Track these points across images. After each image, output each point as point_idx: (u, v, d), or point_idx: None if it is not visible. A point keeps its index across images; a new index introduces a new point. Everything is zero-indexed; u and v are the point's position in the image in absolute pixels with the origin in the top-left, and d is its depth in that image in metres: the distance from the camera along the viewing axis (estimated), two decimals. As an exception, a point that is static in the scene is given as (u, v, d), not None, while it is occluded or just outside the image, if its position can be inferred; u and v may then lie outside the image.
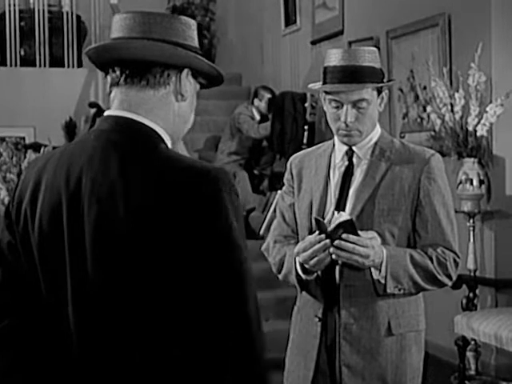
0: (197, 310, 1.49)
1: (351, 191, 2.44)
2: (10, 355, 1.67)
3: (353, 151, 2.48)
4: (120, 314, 1.54)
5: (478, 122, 4.67)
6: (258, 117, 7.20)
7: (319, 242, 2.27)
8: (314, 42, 7.22)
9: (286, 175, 2.62)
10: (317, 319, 2.42)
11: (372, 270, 2.34)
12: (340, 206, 2.43)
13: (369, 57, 2.40)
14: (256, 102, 7.24)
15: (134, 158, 1.56)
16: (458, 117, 4.76)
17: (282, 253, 2.52)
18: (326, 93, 2.46)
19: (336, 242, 2.25)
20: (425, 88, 5.42)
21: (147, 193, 1.51)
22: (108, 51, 1.66)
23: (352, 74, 2.38)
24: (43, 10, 8.52)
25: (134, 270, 1.52)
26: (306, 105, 6.86)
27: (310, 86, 2.58)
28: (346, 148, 2.49)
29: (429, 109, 4.99)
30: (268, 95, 7.22)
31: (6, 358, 1.67)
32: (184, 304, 1.50)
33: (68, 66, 8.60)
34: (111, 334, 1.55)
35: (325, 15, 7.03)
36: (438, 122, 4.84)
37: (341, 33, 6.72)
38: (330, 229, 2.26)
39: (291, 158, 2.65)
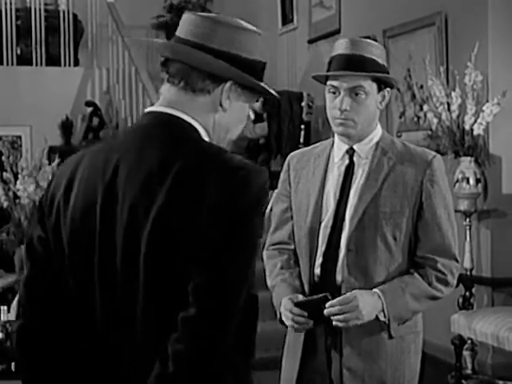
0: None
1: (352, 192, 2.41)
2: (36, 349, 1.68)
3: (353, 150, 2.44)
4: (145, 306, 1.55)
5: (475, 121, 4.67)
6: (252, 116, 7.19)
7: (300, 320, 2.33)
8: (310, 41, 7.22)
9: (283, 175, 2.58)
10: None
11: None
12: (340, 206, 2.41)
13: (373, 50, 2.38)
14: None
15: (171, 149, 1.58)
16: (454, 116, 4.76)
17: (272, 277, 2.52)
18: (327, 81, 2.43)
19: (325, 312, 2.28)
20: (421, 87, 5.42)
21: (181, 185, 1.53)
22: (163, 49, 1.73)
23: (353, 62, 2.34)
24: (39, 9, 8.51)
25: (162, 261, 1.53)
26: (303, 104, 6.86)
27: (313, 74, 2.53)
28: (346, 147, 2.45)
29: (425, 108, 4.99)
30: None
31: (32, 351, 1.69)
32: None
33: (64, 65, 8.58)
34: (137, 327, 1.56)
35: (322, 14, 7.03)
36: (435, 120, 4.84)
37: (337, 32, 6.71)
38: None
39: (289, 157, 2.60)
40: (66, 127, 8.28)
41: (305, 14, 7.38)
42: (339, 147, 2.47)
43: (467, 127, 4.70)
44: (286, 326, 2.42)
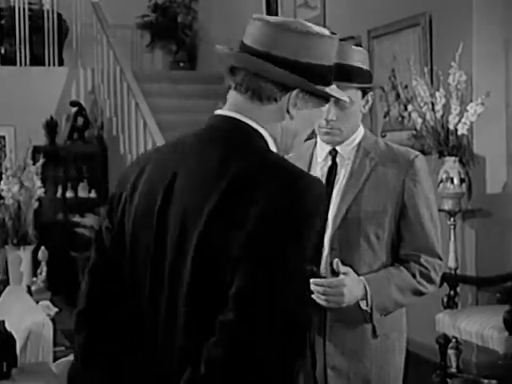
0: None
1: (335, 192, 2.43)
2: (92, 333, 1.73)
3: (336, 151, 2.46)
4: (188, 305, 1.56)
5: (459, 121, 4.69)
6: None
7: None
8: (295, 41, 7.22)
9: None
10: None
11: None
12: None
13: (358, 57, 2.38)
14: None
15: (231, 153, 1.58)
16: (438, 116, 4.78)
17: None
18: None
19: (311, 287, 2.26)
20: (406, 87, 5.44)
21: (235, 190, 1.52)
22: (227, 57, 1.68)
23: (341, 73, 2.34)
24: (24, 8, 8.47)
25: (207, 265, 1.53)
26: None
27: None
28: (329, 148, 2.47)
29: (410, 108, 5.02)
30: None
31: (89, 335, 1.74)
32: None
33: (49, 65, 8.55)
34: (178, 326, 1.57)
35: (306, 14, 7.04)
36: (419, 120, 4.86)
37: (322, 32, 6.72)
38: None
39: None
40: (51, 127, 8.25)
41: (290, 14, 7.38)
42: (322, 148, 2.49)
43: (451, 127, 4.72)
44: None
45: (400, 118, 5.65)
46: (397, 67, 5.68)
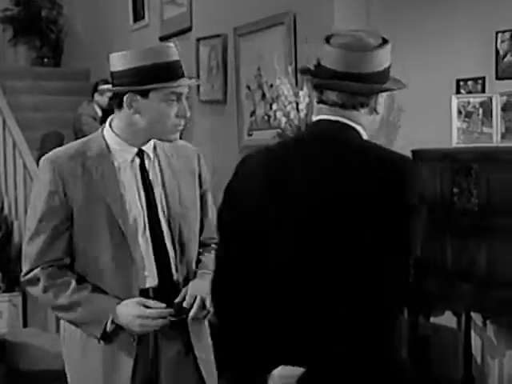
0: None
1: (157, 193, 2.41)
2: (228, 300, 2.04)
3: (143, 151, 2.42)
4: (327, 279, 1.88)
5: (322, 120, 4.72)
6: (99, 113, 6.99)
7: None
8: (162, 39, 7.10)
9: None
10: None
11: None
12: (152, 208, 2.40)
13: (173, 51, 2.35)
14: (96, 96, 6.99)
15: (338, 148, 1.96)
16: (302, 115, 4.79)
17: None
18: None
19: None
20: (271, 86, 5.43)
21: (351, 175, 1.89)
22: (326, 85, 2.01)
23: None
24: None
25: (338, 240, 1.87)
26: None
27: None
28: (135, 149, 2.41)
29: (275, 106, 5.00)
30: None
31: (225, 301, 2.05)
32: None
33: None
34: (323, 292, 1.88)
35: (173, 11, 6.94)
36: (284, 119, 4.86)
37: (189, 29, 6.65)
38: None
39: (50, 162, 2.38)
40: None
41: (156, 10, 7.27)
42: (123, 148, 2.41)
43: (315, 126, 4.74)
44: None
45: (266, 117, 5.64)
46: (262, 66, 5.66)
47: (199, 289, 2.36)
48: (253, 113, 5.83)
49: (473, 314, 4.22)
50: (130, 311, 2.27)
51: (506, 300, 3.71)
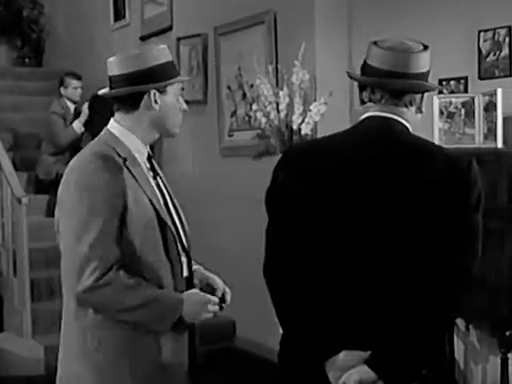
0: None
1: (162, 185, 2.45)
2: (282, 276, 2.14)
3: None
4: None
5: (303, 121, 4.63)
6: (72, 107, 6.85)
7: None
8: (143, 38, 7.01)
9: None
10: None
11: None
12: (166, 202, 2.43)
13: (160, 54, 2.39)
14: (62, 90, 6.85)
15: (389, 142, 2.11)
16: (282, 115, 4.70)
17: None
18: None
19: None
20: (252, 86, 5.35)
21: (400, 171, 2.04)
22: (377, 83, 2.16)
23: None
24: None
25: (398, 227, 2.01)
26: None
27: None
28: (147, 147, 2.44)
29: (255, 107, 4.91)
30: (75, 82, 6.85)
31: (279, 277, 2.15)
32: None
33: None
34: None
35: (154, 10, 6.85)
36: (264, 120, 4.77)
37: (169, 29, 6.56)
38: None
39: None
40: None
41: (137, 10, 7.17)
42: (140, 149, 2.41)
43: (295, 127, 4.65)
44: None
45: (247, 118, 5.55)
46: (243, 65, 5.57)
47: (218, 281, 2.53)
48: (234, 113, 5.74)
49: (456, 319, 4.15)
50: (199, 298, 2.34)
51: (489, 305, 3.64)
